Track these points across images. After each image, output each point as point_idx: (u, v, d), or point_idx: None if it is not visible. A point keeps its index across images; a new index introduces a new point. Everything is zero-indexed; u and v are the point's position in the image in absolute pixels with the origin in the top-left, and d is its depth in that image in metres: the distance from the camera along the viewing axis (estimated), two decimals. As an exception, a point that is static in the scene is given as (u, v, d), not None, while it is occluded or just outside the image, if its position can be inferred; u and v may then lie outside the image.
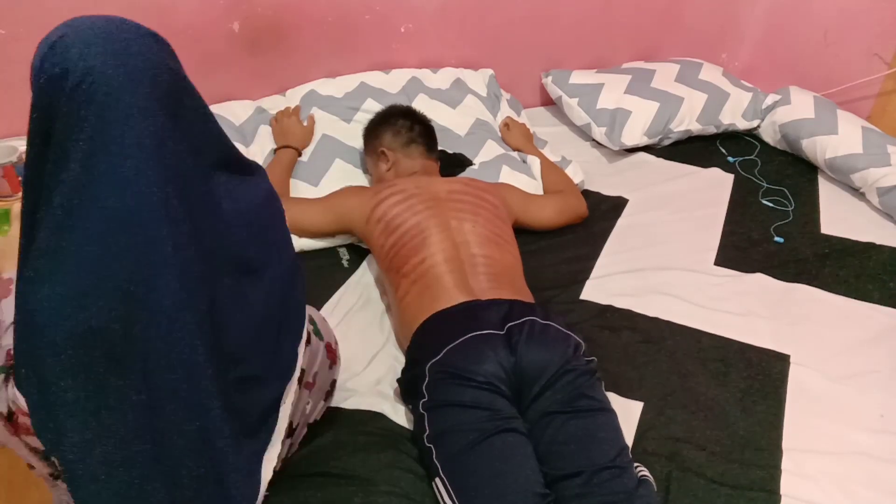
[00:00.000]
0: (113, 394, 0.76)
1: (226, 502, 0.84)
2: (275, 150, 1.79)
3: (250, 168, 0.95)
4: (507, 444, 1.10)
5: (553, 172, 1.90)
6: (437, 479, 1.10)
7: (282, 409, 0.98)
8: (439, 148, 1.77)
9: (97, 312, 0.72)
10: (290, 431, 1.06)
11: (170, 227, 0.75)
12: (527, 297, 1.41)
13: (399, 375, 1.29)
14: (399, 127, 1.69)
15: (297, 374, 1.02)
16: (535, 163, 1.92)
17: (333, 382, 1.22)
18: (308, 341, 1.07)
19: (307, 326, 1.07)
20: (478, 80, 2.18)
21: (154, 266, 0.74)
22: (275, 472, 1.09)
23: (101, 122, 0.71)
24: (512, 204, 1.67)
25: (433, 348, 1.21)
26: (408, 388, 1.25)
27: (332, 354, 1.19)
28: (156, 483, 0.79)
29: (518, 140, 2.01)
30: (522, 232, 1.68)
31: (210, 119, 0.85)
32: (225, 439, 0.83)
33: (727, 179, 2.10)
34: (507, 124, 2.06)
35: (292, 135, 1.80)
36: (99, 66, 0.70)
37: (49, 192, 0.73)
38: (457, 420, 1.13)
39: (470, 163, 1.87)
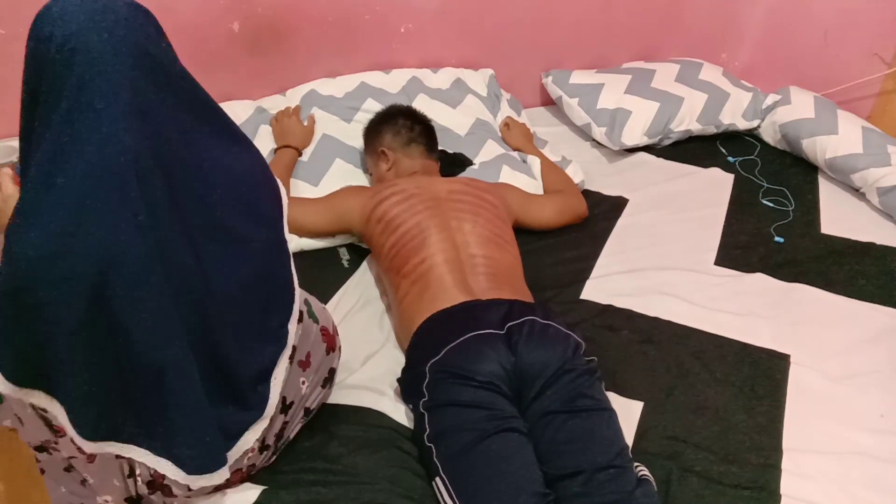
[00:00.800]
0: (86, 333, 0.81)
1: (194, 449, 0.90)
2: (275, 150, 1.79)
3: (244, 142, 0.99)
4: (508, 444, 1.10)
5: (553, 172, 1.90)
6: (438, 479, 1.11)
7: (273, 382, 1.02)
8: (439, 148, 1.77)
9: (74, 260, 0.78)
10: (285, 407, 1.08)
11: (141, 187, 0.80)
12: (527, 297, 1.41)
13: (399, 375, 1.29)
14: (399, 127, 1.69)
15: (288, 349, 1.04)
16: (535, 163, 1.92)
17: (332, 371, 1.23)
18: (300, 320, 1.09)
19: (300, 305, 1.09)
20: (478, 80, 2.18)
21: (125, 227, 0.80)
22: (276, 455, 1.12)
23: (81, 83, 0.77)
24: (512, 204, 1.67)
25: (433, 348, 1.21)
26: (408, 388, 1.25)
27: (329, 339, 1.19)
28: (129, 418, 0.87)
29: (518, 140, 2.01)
30: (522, 232, 1.68)
31: (197, 90, 0.90)
32: (186, 389, 0.88)
33: (727, 179, 2.10)
34: (508, 124, 2.06)
35: (292, 135, 1.80)
36: (82, 32, 0.77)
37: (37, 145, 0.79)
38: (457, 419, 1.13)
39: (470, 163, 1.87)
